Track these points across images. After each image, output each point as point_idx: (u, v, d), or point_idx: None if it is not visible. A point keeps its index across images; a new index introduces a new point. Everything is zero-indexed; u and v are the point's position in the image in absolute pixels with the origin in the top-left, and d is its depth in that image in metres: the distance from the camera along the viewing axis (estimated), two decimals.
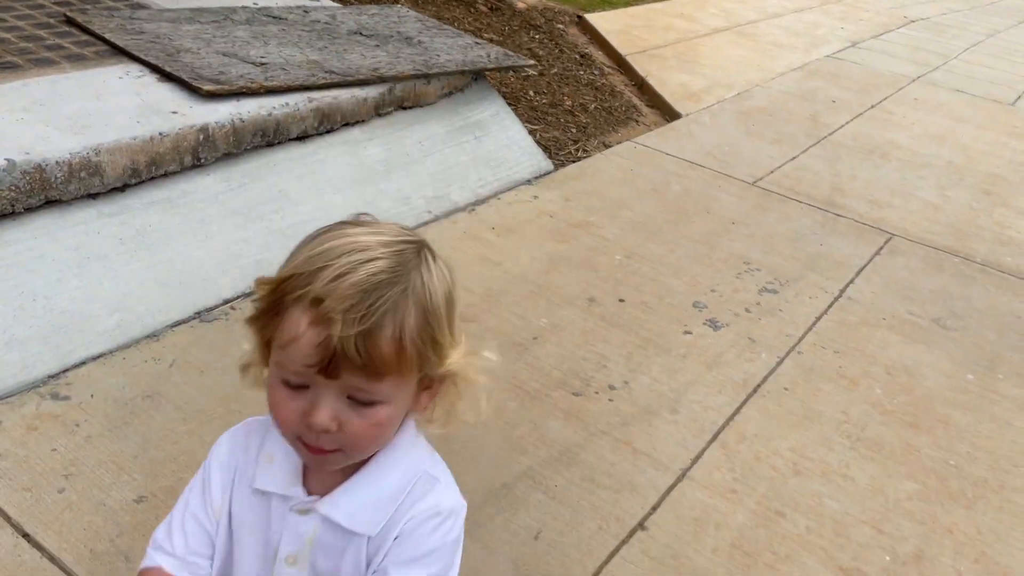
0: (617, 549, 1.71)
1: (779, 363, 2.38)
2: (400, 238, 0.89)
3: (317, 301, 0.83)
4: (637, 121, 4.27)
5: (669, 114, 4.37)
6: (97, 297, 2.07)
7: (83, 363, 1.95)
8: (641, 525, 1.77)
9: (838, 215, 3.37)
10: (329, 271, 0.83)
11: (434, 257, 0.91)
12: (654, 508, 1.82)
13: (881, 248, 3.16)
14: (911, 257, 3.12)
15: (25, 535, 1.53)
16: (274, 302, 0.87)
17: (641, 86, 4.70)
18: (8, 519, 1.55)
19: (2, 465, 1.66)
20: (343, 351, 0.82)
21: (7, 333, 1.90)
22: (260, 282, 0.89)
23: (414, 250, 0.89)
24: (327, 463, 0.92)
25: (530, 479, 1.85)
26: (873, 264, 3.03)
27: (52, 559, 1.49)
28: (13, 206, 2.01)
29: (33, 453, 1.70)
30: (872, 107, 4.77)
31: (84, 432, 1.77)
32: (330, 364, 0.83)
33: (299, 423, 0.87)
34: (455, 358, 0.92)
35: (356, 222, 0.92)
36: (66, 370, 1.92)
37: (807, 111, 4.55)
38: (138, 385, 1.92)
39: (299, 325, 0.84)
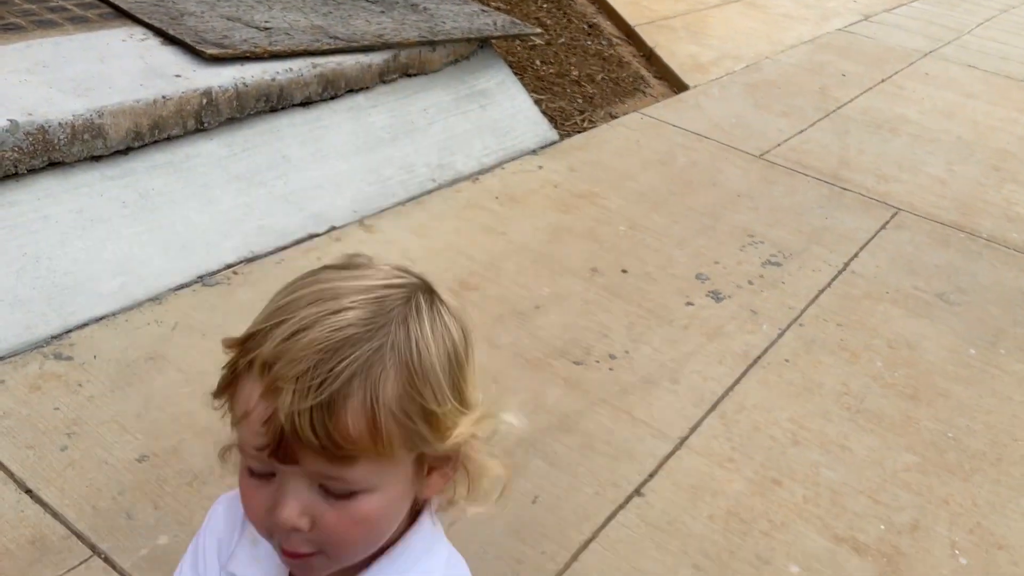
0: (614, 514, 1.72)
1: (780, 335, 2.38)
2: (388, 281, 0.71)
3: (266, 366, 0.66)
4: (644, 92, 4.24)
5: (677, 86, 4.34)
6: (100, 259, 2.08)
7: (86, 324, 1.96)
8: (638, 491, 1.79)
9: (844, 189, 3.35)
10: (285, 327, 0.66)
11: (433, 304, 0.72)
12: (651, 475, 1.83)
13: (887, 222, 3.14)
14: (917, 232, 3.11)
15: (28, 491, 1.54)
16: (231, 369, 0.70)
17: (649, 57, 4.66)
18: (11, 475, 1.57)
19: (6, 423, 1.68)
20: (295, 430, 0.64)
21: (11, 294, 1.91)
22: (225, 344, 0.72)
23: (402, 296, 0.70)
24: (308, 569, 0.73)
25: (529, 445, 1.86)
26: (878, 238, 3.02)
27: (55, 515, 1.51)
28: (16, 167, 2.01)
29: (36, 412, 1.71)
30: (882, 81, 4.72)
31: (87, 392, 1.78)
32: (280, 446, 0.66)
33: (267, 519, 0.70)
34: (464, 430, 0.72)
35: (344, 264, 0.74)
36: (69, 331, 1.93)
37: (816, 84, 4.51)
38: (140, 347, 1.93)
39: (250, 398, 0.67)
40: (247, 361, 0.68)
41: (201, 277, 2.20)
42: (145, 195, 2.23)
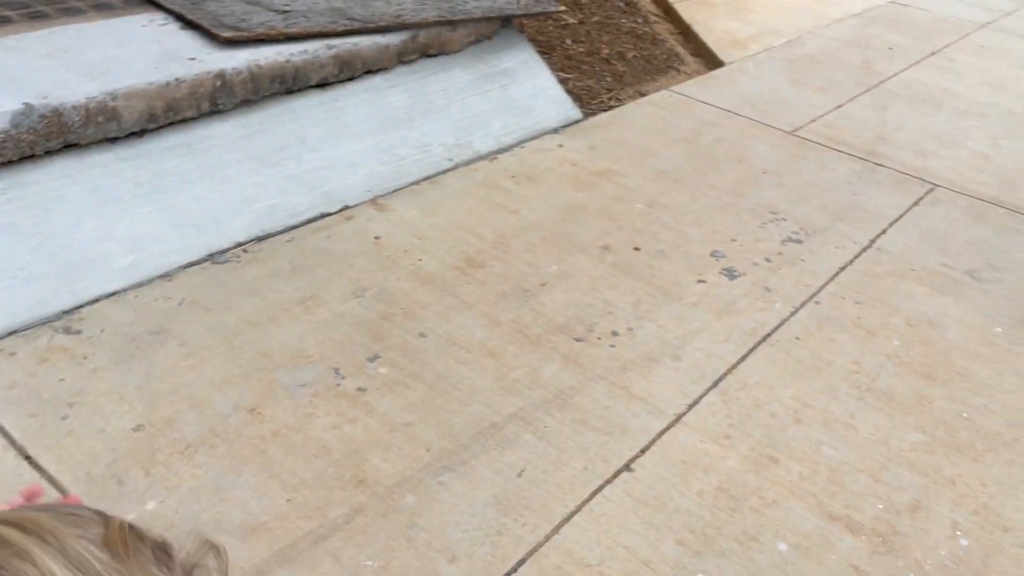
0: (600, 488, 1.71)
1: (793, 313, 2.32)
2: None
3: None
4: (678, 70, 4.17)
5: (713, 63, 4.25)
6: (113, 237, 2.14)
7: (97, 300, 2.03)
8: (627, 467, 1.77)
9: (878, 164, 3.24)
10: None
11: None
12: (643, 451, 1.81)
13: (921, 199, 3.03)
14: (952, 208, 2.99)
15: (27, 457, 1.61)
16: None
17: (686, 34, 4.57)
18: (13, 442, 1.64)
19: (12, 393, 1.75)
20: None
21: (25, 270, 1.99)
22: None
23: None
24: None
25: (521, 420, 1.86)
26: (910, 215, 2.91)
27: (50, 480, 1.58)
28: (33, 149, 2.09)
29: (42, 383, 1.78)
30: (932, 54, 4.54)
31: (92, 364, 1.85)
32: None
33: None
34: None
35: (32, 525, 0.47)
36: (80, 306, 2.00)
37: (860, 59, 4.36)
38: (147, 321, 1.99)
39: None
40: None
41: (211, 255, 2.25)
42: (159, 175, 2.29)
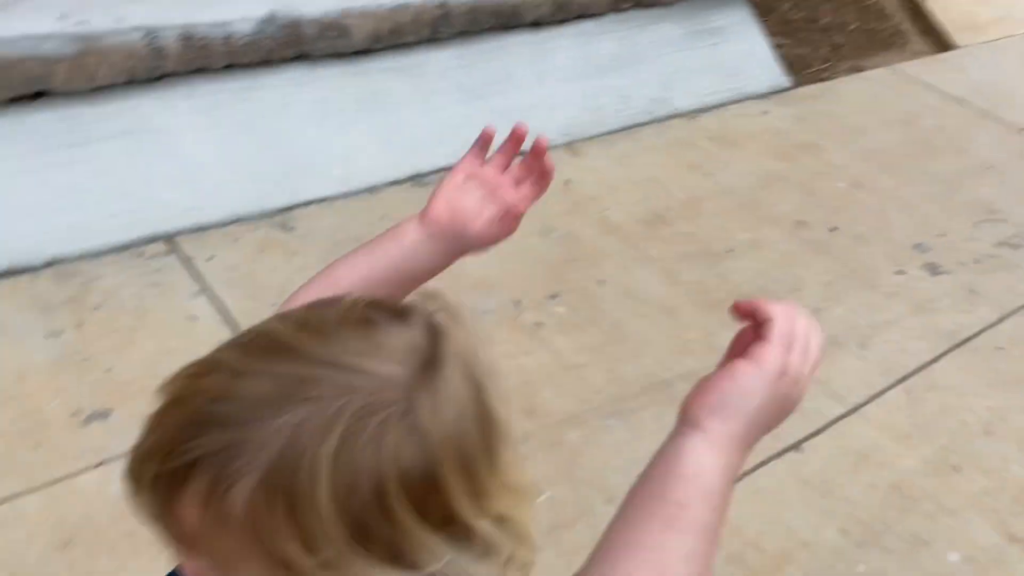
0: (765, 462, 1.68)
1: (1000, 320, 2.16)
2: (352, 363, 0.49)
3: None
4: (902, 48, 3.89)
5: (942, 44, 3.93)
6: (330, 147, 2.29)
7: (309, 203, 2.19)
8: (796, 447, 1.73)
9: None
10: (195, 367, 0.51)
11: (391, 421, 0.48)
12: (815, 433, 1.76)
13: None
14: None
15: None
16: None
17: (916, 11, 4.25)
18: (229, 318, 1.81)
19: (234, 275, 1.93)
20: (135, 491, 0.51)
21: (253, 168, 2.17)
22: None
23: (333, 393, 0.48)
24: None
25: (691, 381, 1.83)
26: None
27: None
28: (270, 55, 2.25)
29: (259, 270, 1.95)
30: None
31: (300, 261, 2.00)
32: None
33: None
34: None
35: (342, 311, 0.53)
36: (294, 207, 2.16)
37: None
38: (351, 229, 2.12)
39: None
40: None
41: (413, 176, 2.36)
42: (377, 94, 2.41)
